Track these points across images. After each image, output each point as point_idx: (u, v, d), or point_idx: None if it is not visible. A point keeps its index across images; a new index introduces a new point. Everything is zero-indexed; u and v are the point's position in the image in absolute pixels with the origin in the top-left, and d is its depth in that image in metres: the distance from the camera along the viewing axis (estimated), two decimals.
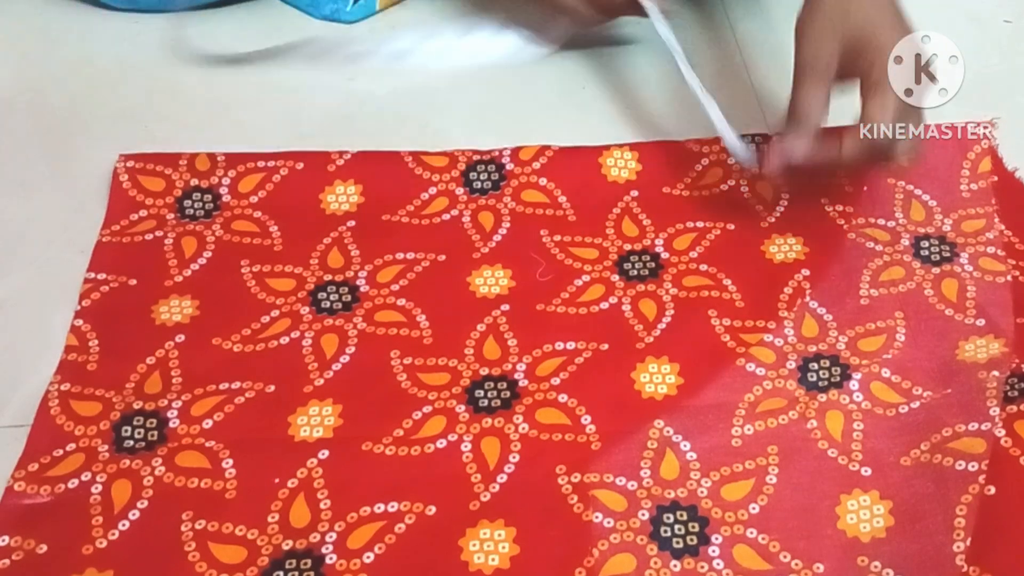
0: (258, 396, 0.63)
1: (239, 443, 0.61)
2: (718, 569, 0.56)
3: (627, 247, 0.70)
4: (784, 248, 0.70)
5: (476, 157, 0.75)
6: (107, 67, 0.83)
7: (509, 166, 0.74)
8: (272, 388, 0.63)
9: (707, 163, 0.74)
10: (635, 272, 0.69)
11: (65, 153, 0.77)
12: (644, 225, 0.71)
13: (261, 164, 0.74)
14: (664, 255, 0.70)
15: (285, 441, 0.61)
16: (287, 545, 0.57)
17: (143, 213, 0.72)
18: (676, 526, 0.57)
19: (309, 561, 0.56)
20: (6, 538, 0.57)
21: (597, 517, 0.58)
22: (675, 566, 0.56)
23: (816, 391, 0.63)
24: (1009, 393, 0.61)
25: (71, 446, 0.60)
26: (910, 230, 0.70)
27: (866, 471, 0.59)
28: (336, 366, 0.65)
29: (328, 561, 0.56)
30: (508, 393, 0.63)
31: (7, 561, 0.56)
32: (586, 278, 0.69)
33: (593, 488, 0.59)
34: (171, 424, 0.61)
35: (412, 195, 0.73)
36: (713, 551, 0.57)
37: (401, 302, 0.68)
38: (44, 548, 0.57)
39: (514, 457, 0.60)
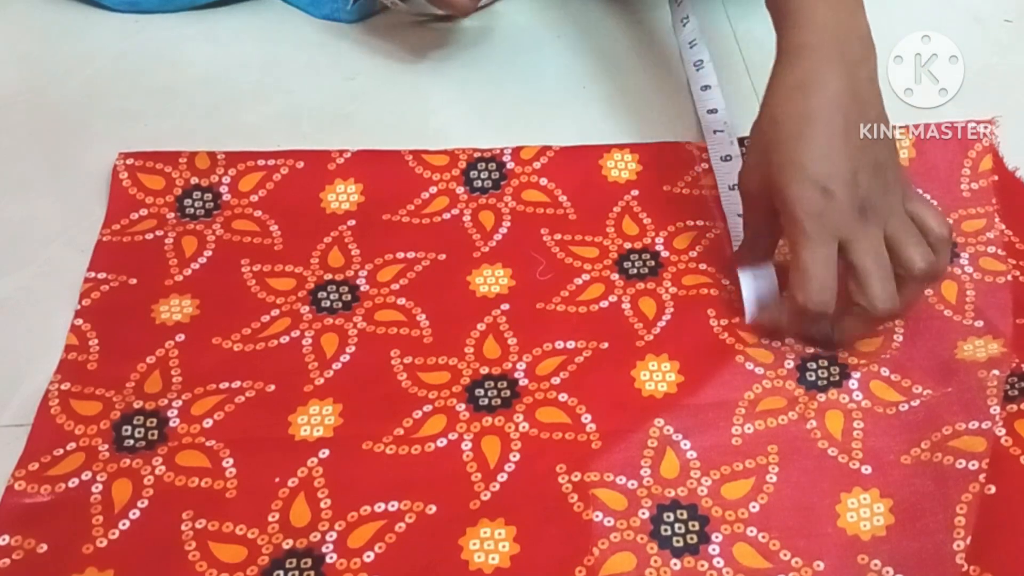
0: (258, 395, 0.63)
1: (239, 442, 0.61)
2: (718, 567, 0.56)
3: (627, 246, 0.70)
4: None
5: (477, 155, 0.75)
6: (107, 67, 0.83)
7: (510, 165, 0.74)
8: (272, 387, 0.63)
9: (707, 167, 0.74)
10: (635, 271, 0.69)
11: (65, 153, 0.77)
12: (644, 224, 0.71)
13: (261, 163, 0.74)
14: (664, 254, 0.70)
15: (285, 440, 0.61)
16: (287, 544, 0.57)
17: (143, 212, 0.72)
18: (676, 525, 0.57)
19: (309, 560, 0.56)
20: (6, 537, 0.57)
21: (597, 516, 0.58)
22: (675, 565, 0.56)
23: (816, 390, 0.63)
24: (1009, 392, 0.61)
25: (71, 445, 0.60)
26: None
27: (866, 469, 0.59)
28: (336, 365, 0.65)
29: (328, 560, 0.56)
30: (508, 392, 0.63)
31: (7, 560, 0.56)
32: (586, 277, 0.69)
33: (593, 487, 0.59)
34: (171, 423, 0.61)
35: (412, 194, 0.73)
36: (713, 550, 0.57)
37: (401, 301, 0.68)
38: (44, 547, 0.57)
39: (514, 456, 0.60)
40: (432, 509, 0.58)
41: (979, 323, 0.65)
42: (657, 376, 0.63)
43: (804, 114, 0.60)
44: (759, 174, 0.62)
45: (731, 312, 0.66)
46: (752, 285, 0.66)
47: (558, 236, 0.71)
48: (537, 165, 0.74)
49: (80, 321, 0.66)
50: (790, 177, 0.59)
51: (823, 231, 0.59)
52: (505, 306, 0.67)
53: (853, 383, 0.63)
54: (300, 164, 0.74)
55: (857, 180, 0.59)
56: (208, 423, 0.62)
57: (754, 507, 0.58)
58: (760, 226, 0.65)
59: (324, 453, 0.60)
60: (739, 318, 0.66)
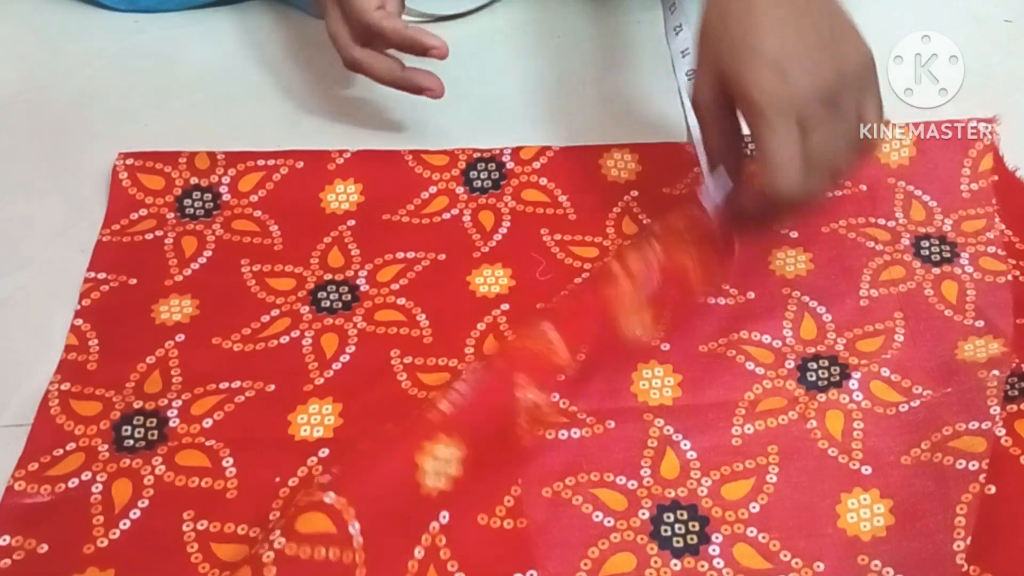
0: (258, 395, 0.63)
1: (239, 442, 0.61)
2: (718, 568, 0.56)
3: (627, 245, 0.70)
4: (788, 259, 0.69)
5: (476, 155, 0.75)
6: (107, 67, 0.83)
7: (509, 165, 0.74)
8: (272, 387, 0.63)
9: None
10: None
11: (65, 153, 0.77)
12: (644, 224, 0.71)
13: (261, 163, 0.74)
14: None
15: (285, 440, 0.61)
16: None
17: (143, 212, 0.72)
18: (676, 525, 0.57)
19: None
20: (7, 538, 0.57)
21: (597, 516, 0.58)
22: (675, 565, 0.56)
23: (816, 391, 0.63)
24: (1009, 392, 0.61)
25: (71, 445, 0.60)
26: (910, 230, 0.70)
27: (866, 470, 0.59)
28: (336, 365, 0.65)
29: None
30: None
31: (8, 561, 0.56)
32: (587, 276, 0.69)
33: (593, 487, 0.59)
34: (171, 423, 0.62)
35: (412, 194, 0.73)
36: (713, 550, 0.57)
37: (401, 301, 0.68)
38: (45, 547, 0.57)
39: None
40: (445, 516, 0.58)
41: (979, 323, 0.65)
42: (658, 374, 0.63)
43: (750, 2, 0.58)
44: (712, 72, 0.59)
45: (731, 313, 0.66)
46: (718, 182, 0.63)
47: (558, 236, 0.71)
48: (537, 165, 0.74)
49: (80, 321, 0.66)
50: (742, 61, 0.57)
51: (782, 112, 0.56)
52: (505, 306, 0.67)
53: (853, 383, 0.63)
54: (300, 164, 0.74)
55: (814, 62, 0.57)
56: (208, 423, 0.62)
57: (754, 507, 0.58)
58: (722, 138, 0.62)
59: (324, 452, 0.60)
60: (738, 318, 0.66)
